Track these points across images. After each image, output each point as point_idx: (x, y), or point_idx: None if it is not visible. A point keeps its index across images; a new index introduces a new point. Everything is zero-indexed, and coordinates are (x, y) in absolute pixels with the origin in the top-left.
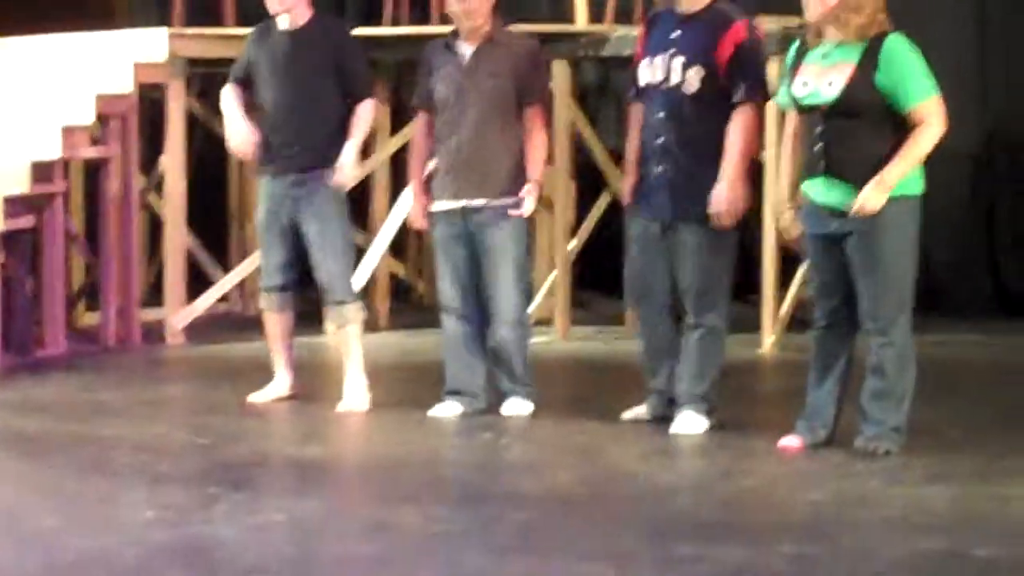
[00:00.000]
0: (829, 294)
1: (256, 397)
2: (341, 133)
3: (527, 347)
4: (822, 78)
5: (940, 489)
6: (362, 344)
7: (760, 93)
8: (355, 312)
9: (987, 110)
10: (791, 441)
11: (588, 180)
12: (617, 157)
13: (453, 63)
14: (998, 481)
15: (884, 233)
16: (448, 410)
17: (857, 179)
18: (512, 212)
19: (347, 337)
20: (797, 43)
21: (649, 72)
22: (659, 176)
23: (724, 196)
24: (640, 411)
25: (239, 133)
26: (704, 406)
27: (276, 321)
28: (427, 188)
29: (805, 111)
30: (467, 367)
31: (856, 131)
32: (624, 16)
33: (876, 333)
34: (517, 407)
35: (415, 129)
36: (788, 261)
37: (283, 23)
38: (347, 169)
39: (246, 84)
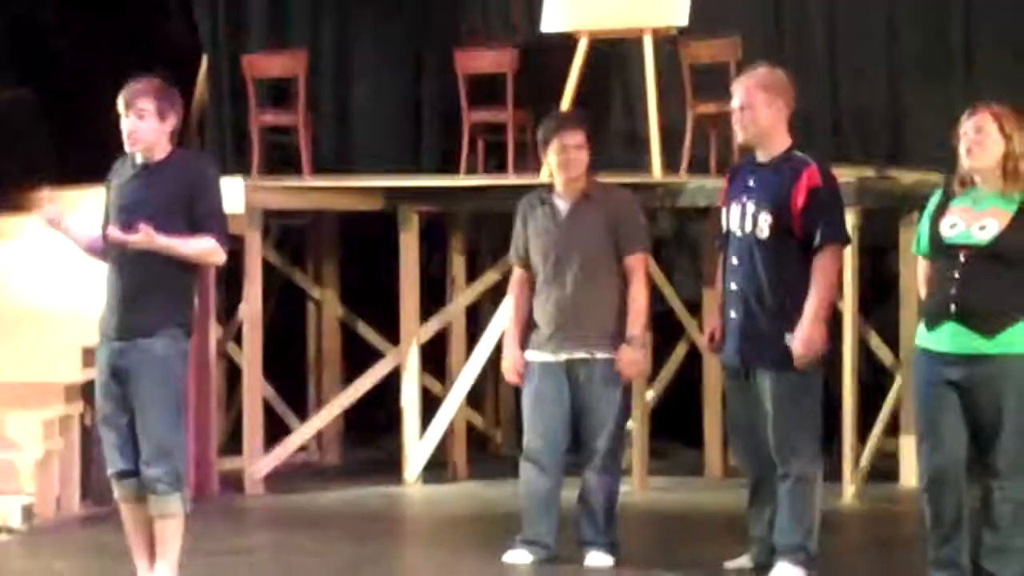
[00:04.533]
0: (939, 445)
1: None
2: (178, 298)
3: (616, 500)
4: (973, 222)
5: None
6: (180, 540)
7: (840, 235)
8: (176, 504)
9: None
10: None
11: (665, 329)
12: (693, 306)
13: (549, 218)
14: None
15: (1014, 386)
16: (519, 558)
17: (989, 326)
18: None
19: (163, 529)
20: (940, 192)
21: (727, 220)
22: (732, 322)
23: (804, 337)
24: (743, 560)
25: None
26: (800, 556)
27: (132, 512)
28: (522, 341)
29: (944, 254)
30: (544, 519)
31: (998, 278)
32: (699, 166)
33: (996, 488)
34: (598, 560)
35: (513, 283)
36: (868, 410)
37: (139, 158)
38: (148, 236)
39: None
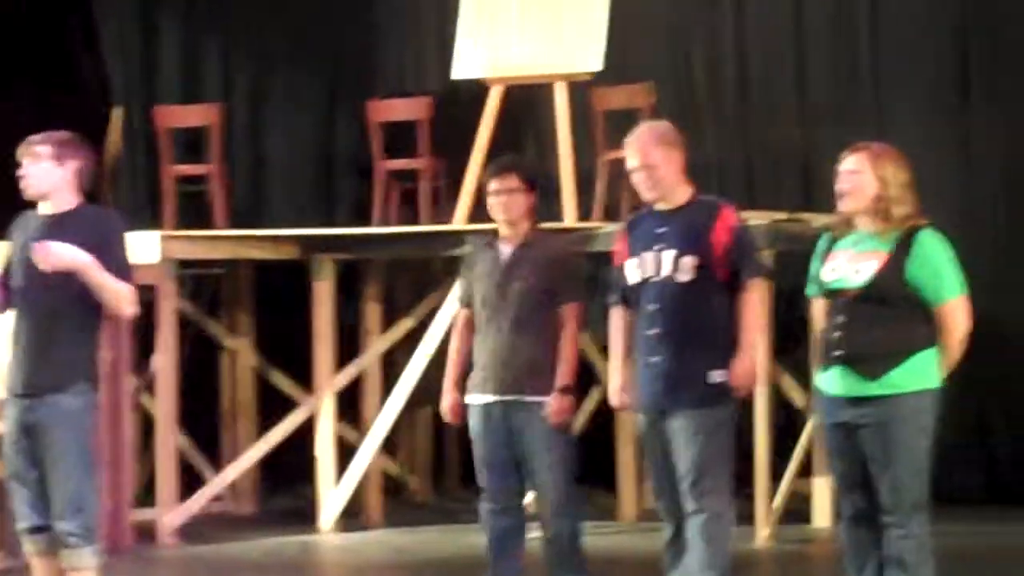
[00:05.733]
0: (850, 485)
1: None
2: (85, 350)
3: (578, 541)
4: (851, 265)
5: None
6: None
7: (763, 269)
8: (88, 557)
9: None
10: None
11: (578, 374)
12: (606, 351)
13: (492, 262)
14: None
15: (901, 425)
16: None
17: (873, 370)
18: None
19: None
20: (829, 234)
21: (638, 270)
22: (653, 366)
23: (742, 368)
24: None
25: None
26: None
27: (44, 566)
28: (461, 384)
29: (828, 298)
30: (503, 559)
31: (878, 320)
32: (611, 213)
33: (895, 525)
34: None
35: (457, 324)
36: (781, 452)
37: (44, 208)
38: (60, 250)
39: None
